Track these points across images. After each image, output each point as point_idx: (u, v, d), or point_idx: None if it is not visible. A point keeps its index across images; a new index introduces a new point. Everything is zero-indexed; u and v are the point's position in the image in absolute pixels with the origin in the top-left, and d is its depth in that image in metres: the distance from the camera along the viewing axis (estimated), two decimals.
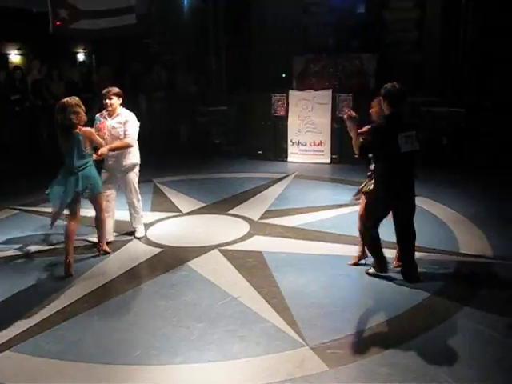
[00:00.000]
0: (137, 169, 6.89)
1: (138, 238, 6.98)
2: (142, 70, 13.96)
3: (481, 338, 4.46)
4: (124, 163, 6.73)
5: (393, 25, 12.99)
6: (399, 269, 5.64)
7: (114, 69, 13.84)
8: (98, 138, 6.26)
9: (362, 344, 4.40)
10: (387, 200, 5.41)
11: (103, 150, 6.38)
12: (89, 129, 6.14)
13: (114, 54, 15.12)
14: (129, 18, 11.27)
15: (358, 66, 11.93)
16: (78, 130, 5.97)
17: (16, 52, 14.65)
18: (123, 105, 6.76)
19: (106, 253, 6.46)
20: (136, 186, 6.91)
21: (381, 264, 5.61)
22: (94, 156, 6.28)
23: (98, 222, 6.44)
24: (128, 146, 6.64)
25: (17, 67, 12.78)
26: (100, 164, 6.65)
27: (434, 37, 12.56)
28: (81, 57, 16.23)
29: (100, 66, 14.92)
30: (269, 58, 13.27)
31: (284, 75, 13.19)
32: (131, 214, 7.05)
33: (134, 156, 6.79)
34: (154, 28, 14.07)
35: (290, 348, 4.34)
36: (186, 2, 14.41)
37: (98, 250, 6.46)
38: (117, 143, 6.57)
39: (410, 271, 5.55)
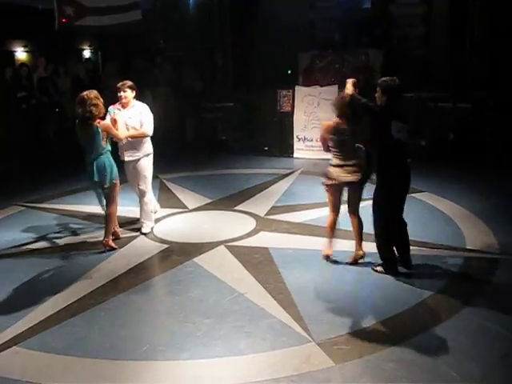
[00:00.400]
0: (150, 158, 7.01)
1: (144, 234, 7.00)
2: (146, 66, 13.94)
3: (487, 333, 4.44)
4: (139, 153, 6.89)
5: (399, 20, 12.94)
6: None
7: (120, 65, 13.83)
8: (115, 130, 6.43)
9: (368, 340, 4.39)
10: (385, 195, 5.46)
11: (122, 137, 6.59)
12: (107, 123, 6.37)
13: (120, 51, 15.11)
14: (135, 14, 11.24)
15: (364, 61, 11.90)
16: (97, 123, 6.19)
17: (22, 49, 14.64)
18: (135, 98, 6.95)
19: (112, 248, 6.48)
20: (149, 176, 7.02)
21: (391, 266, 5.61)
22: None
23: (107, 215, 6.49)
24: (145, 135, 6.84)
25: (23, 64, 12.80)
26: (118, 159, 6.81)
27: (440, 32, 12.51)
28: (87, 53, 16.21)
29: (106, 63, 14.93)
30: (275, 54, 13.23)
31: (289, 71, 13.17)
32: (141, 207, 7.09)
33: (147, 147, 6.97)
34: (159, 24, 14.05)
35: (296, 344, 4.35)
36: None
37: (103, 245, 6.46)
38: (134, 132, 6.77)
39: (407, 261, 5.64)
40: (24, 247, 6.76)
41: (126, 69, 13.54)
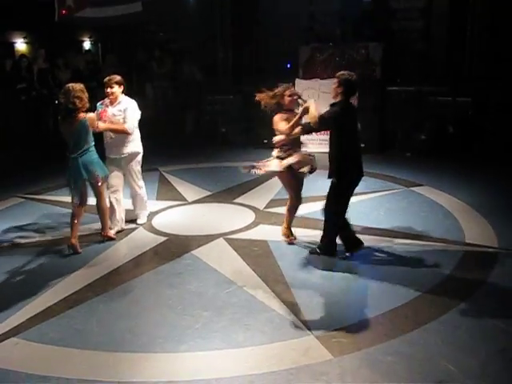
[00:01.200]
0: (139, 157, 6.89)
1: (140, 225, 7.04)
2: (146, 58, 13.92)
3: (485, 327, 4.45)
4: (125, 151, 6.71)
5: (399, 13, 12.90)
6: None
7: (120, 57, 13.81)
8: (96, 123, 6.30)
9: (367, 333, 4.40)
10: (351, 178, 5.71)
11: (101, 125, 6.39)
12: (93, 115, 6.23)
13: (120, 43, 15.08)
14: (135, 6, 11.24)
15: (363, 55, 11.86)
16: (83, 116, 6.05)
17: (22, 40, 14.62)
18: (126, 93, 6.78)
19: (111, 239, 6.51)
20: (139, 174, 6.96)
21: (332, 249, 5.83)
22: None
23: (100, 209, 6.48)
24: (124, 131, 6.58)
25: (23, 56, 12.77)
26: (102, 154, 6.62)
27: (441, 26, 12.47)
28: (86, 45, 16.17)
29: (106, 55, 14.90)
30: (275, 47, 13.21)
31: (289, 66, 13.13)
32: (134, 201, 7.09)
33: (135, 144, 6.77)
34: (160, 16, 14.01)
35: (294, 337, 4.36)
36: None
37: (102, 236, 6.52)
38: (115, 125, 6.54)
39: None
40: (23, 239, 6.76)
41: (126, 61, 13.53)
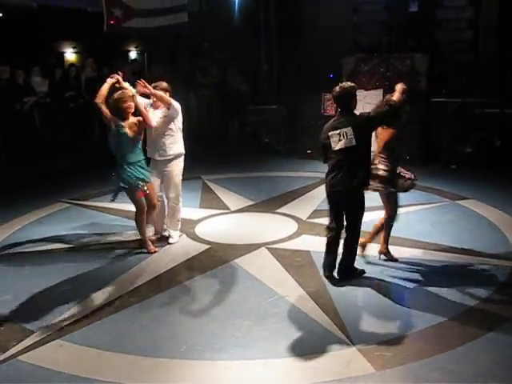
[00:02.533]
0: (182, 160, 6.66)
1: (171, 244, 6.72)
2: (192, 66, 14.08)
3: None
4: (171, 152, 6.52)
5: (446, 24, 12.75)
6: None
7: (165, 67, 13.98)
8: (144, 112, 6.27)
9: (411, 347, 4.31)
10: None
11: (148, 89, 6.36)
12: (132, 120, 6.18)
13: (166, 52, 15.28)
14: (181, 17, 11.38)
15: (409, 66, 11.74)
16: (124, 124, 6.10)
17: (71, 50, 15.00)
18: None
19: (150, 252, 6.41)
20: (179, 181, 6.67)
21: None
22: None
23: (136, 221, 6.44)
24: (168, 102, 6.39)
25: (72, 65, 13.08)
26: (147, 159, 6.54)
27: (489, 36, 12.27)
28: (133, 55, 16.46)
29: (151, 64, 15.12)
30: (319, 57, 13.19)
31: (332, 76, 13.09)
32: (168, 215, 6.80)
33: (179, 146, 6.60)
34: (206, 26, 14.16)
35: (336, 348, 4.30)
36: (237, 1, 14.47)
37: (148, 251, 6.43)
38: (162, 94, 6.41)
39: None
40: (67, 244, 6.87)
41: (171, 70, 13.69)
